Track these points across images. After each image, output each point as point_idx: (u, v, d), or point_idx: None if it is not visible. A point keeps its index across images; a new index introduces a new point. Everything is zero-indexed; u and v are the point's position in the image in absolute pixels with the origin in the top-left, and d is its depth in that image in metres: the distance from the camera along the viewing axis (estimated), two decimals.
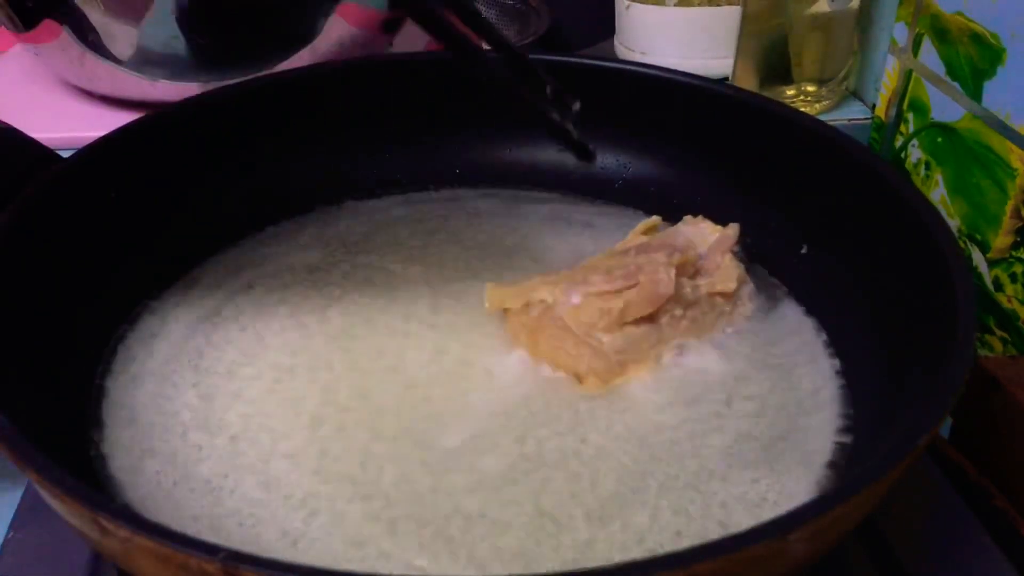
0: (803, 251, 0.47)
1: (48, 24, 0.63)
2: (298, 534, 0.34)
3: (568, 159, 0.56)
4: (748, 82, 0.69)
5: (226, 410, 0.40)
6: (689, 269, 0.44)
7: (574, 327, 0.41)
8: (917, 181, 0.60)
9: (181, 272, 0.48)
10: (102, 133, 0.46)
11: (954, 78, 0.56)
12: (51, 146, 0.46)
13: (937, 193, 0.58)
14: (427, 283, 0.47)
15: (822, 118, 0.65)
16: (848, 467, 0.37)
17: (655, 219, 0.48)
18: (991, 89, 0.52)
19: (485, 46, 0.40)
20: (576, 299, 0.42)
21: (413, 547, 0.33)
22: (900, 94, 0.62)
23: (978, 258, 0.55)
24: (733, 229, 0.45)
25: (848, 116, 0.70)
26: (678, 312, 0.42)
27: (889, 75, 0.63)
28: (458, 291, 0.46)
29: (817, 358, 0.43)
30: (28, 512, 0.39)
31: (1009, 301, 0.53)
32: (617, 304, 0.41)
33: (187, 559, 0.25)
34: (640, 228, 0.47)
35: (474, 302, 0.45)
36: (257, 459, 0.37)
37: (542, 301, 0.43)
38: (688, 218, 0.47)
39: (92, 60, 0.64)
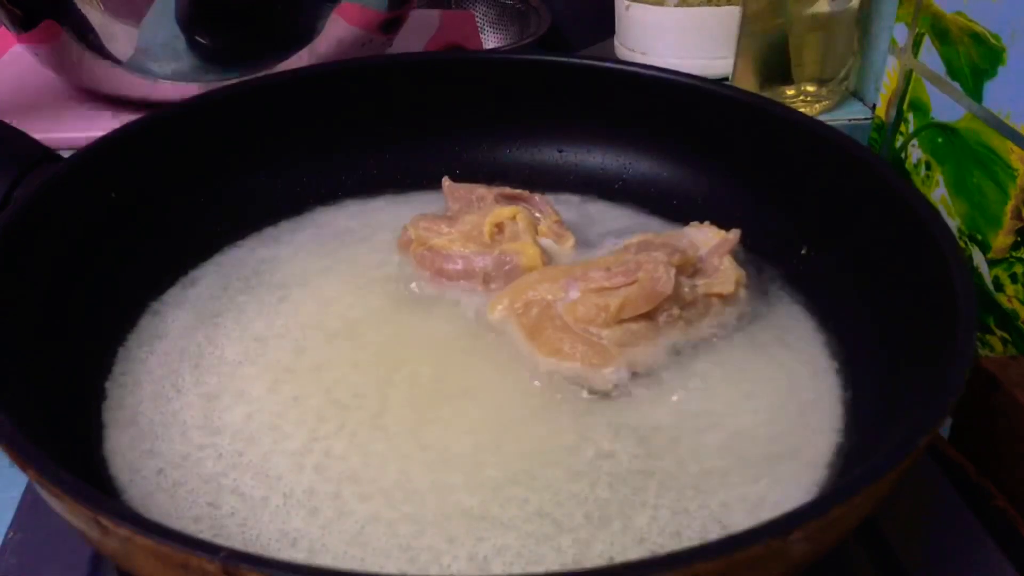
0: (803, 251, 0.47)
1: (48, 24, 0.63)
2: (298, 534, 0.34)
3: (568, 159, 0.56)
4: (748, 82, 0.69)
5: (227, 410, 0.40)
6: (689, 269, 0.44)
7: (571, 323, 0.41)
8: (917, 181, 0.60)
9: (181, 272, 0.48)
10: (102, 133, 0.46)
11: (954, 78, 0.56)
12: (51, 146, 0.47)
13: (937, 193, 0.58)
14: (429, 281, 0.47)
15: (822, 118, 0.66)
16: (848, 467, 0.37)
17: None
18: (991, 89, 0.52)
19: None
20: (574, 294, 0.42)
21: (414, 547, 0.33)
22: (900, 94, 0.62)
23: (978, 258, 0.55)
24: (735, 233, 0.46)
25: (848, 116, 0.70)
26: (676, 311, 0.42)
27: (889, 75, 0.63)
28: (459, 290, 0.46)
29: (817, 358, 0.43)
30: (28, 512, 0.39)
31: (1009, 301, 0.53)
32: (615, 300, 0.41)
33: (187, 559, 0.25)
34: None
35: (476, 301, 0.45)
36: (258, 459, 0.37)
37: (542, 299, 0.43)
38: (694, 223, 0.47)
39: (92, 60, 0.64)
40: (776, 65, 0.68)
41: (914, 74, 0.60)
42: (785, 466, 0.37)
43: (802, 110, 0.66)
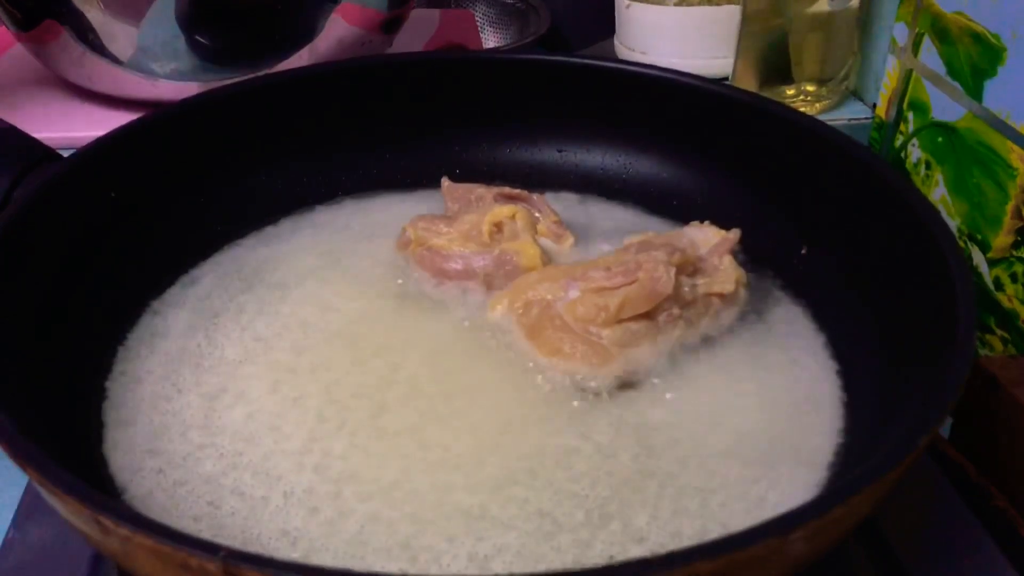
0: (803, 251, 0.47)
1: (48, 24, 0.63)
2: (298, 533, 0.34)
3: (568, 159, 0.56)
4: (748, 82, 0.69)
5: (227, 409, 0.40)
6: (689, 268, 0.44)
7: (571, 323, 0.41)
8: (917, 181, 0.60)
9: (181, 272, 0.48)
10: (102, 133, 0.46)
11: (954, 77, 0.56)
12: (51, 146, 0.47)
13: (937, 193, 0.58)
14: (429, 281, 0.47)
15: (822, 118, 0.65)
16: (848, 467, 0.37)
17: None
18: (991, 88, 0.52)
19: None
20: (574, 293, 0.42)
21: (414, 546, 0.33)
22: (900, 94, 0.62)
23: (978, 258, 0.55)
24: (735, 233, 0.46)
25: (848, 116, 0.70)
26: (676, 311, 0.42)
27: (889, 75, 0.63)
28: (460, 290, 0.46)
29: (817, 358, 0.43)
30: (28, 512, 0.39)
31: (1009, 300, 0.53)
32: (614, 300, 0.41)
33: (187, 558, 0.25)
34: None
35: (476, 301, 0.45)
36: (258, 458, 0.37)
37: (542, 299, 0.43)
38: (694, 223, 0.47)
39: (92, 60, 0.64)
40: (776, 65, 0.68)
41: (914, 74, 0.60)
42: (785, 466, 0.37)
43: (802, 110, 0.66)
